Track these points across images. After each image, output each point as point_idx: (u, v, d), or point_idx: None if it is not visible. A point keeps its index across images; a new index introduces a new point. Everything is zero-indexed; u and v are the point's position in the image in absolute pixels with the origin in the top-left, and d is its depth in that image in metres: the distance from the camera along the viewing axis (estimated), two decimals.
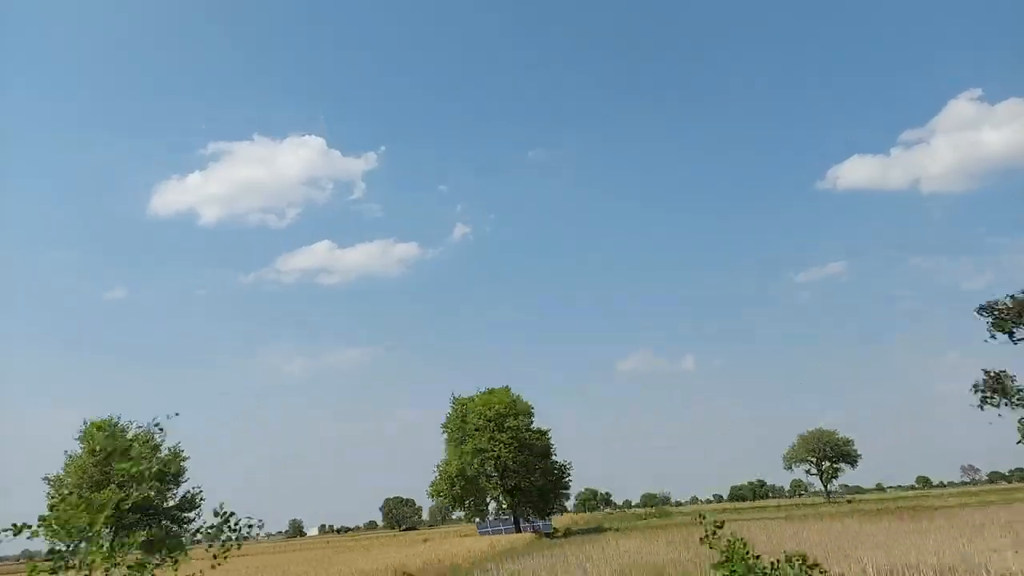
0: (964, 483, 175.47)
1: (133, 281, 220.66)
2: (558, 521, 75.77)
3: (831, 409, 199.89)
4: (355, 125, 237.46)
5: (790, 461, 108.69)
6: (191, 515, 39.15)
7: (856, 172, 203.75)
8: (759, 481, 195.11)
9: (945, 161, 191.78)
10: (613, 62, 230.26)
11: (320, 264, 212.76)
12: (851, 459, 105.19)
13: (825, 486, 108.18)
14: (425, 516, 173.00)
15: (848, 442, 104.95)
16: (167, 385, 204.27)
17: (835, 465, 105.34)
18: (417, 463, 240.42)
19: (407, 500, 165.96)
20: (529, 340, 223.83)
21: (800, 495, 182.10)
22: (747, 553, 6.67)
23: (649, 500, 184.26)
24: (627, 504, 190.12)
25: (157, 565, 5.94)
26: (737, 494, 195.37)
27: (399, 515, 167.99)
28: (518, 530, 54.26)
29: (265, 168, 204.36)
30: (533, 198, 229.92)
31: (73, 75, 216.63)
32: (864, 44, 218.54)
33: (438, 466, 53.76)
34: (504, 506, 55.53)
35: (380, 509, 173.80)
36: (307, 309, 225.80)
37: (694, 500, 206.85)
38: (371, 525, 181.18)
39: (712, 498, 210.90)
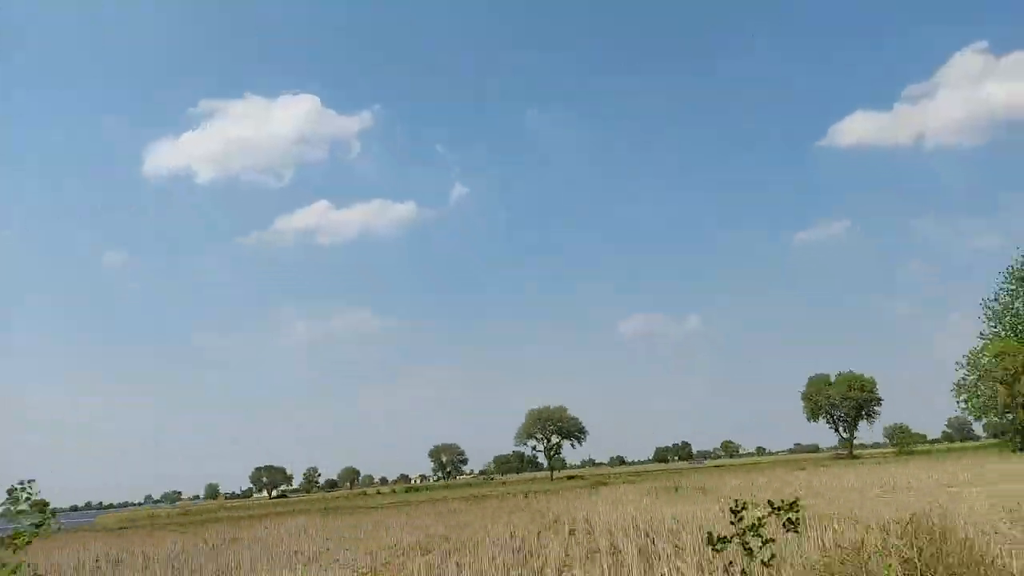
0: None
1: (132, 244, 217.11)
2: None
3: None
4: (349, 83, 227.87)
5: (521, 438, 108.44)
6: None
7: (858, 129, 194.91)
8: (683, 443, 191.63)
9: (950, 116, 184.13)
10: (611, 22, 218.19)
11: (317, 224, 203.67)
12: (578, 436, 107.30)
13: (550, 460, 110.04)
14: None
15: (574, 420, 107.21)
16: (170, 353, 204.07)
17: (562, 441, 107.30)
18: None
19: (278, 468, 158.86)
20: (529, 302, 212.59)
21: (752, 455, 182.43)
22: None
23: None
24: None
25: None
26: (662, 455, 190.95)
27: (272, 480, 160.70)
28: None
29: (260, 128, 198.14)
30: (531, 158, 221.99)
31: (59, 38, 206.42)
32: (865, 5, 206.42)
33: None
34: None
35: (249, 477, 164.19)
36: (307, 270, 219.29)
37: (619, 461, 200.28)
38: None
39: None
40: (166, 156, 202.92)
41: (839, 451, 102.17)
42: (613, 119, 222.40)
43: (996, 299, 55.34)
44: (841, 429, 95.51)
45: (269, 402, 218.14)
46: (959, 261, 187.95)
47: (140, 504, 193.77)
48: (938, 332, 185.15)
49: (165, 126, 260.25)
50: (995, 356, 51.47)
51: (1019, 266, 53.87)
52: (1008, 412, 53.58)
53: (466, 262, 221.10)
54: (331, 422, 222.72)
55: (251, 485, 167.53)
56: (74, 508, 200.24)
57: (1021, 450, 50.70)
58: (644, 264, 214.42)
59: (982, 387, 53.89)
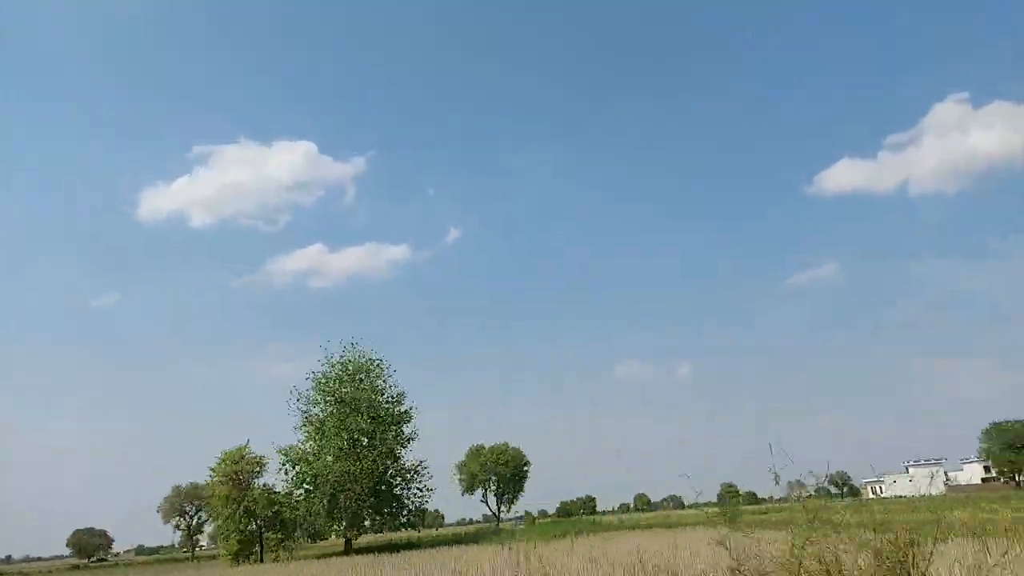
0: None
1: (122, 287, 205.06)
2: None
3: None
4: (344, 130, 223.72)
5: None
6: None
7: (843, 176, 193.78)
8: (588, 496, 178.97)
9: (933, 163, 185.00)
10: (599, 67, 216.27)
11: (311, 267, 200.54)
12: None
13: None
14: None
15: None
16: (158, 391, 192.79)
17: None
18: None
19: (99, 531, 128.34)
20: (521, 344, 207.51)
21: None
22: None
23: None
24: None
25: None
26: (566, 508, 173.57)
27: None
28: None
29: (254, 172, 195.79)
30: (521, 200, 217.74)
31: (53, 78, 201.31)
32: (847, 48, 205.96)
33: None
34: None
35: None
36: (298, 312, 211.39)
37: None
38: None
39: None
40: (160, 200, 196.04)
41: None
42: (599, 168, 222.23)
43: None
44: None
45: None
46: (947, 303, 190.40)
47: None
48: (928, 375, 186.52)
49: (159, 171, 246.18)
50: None
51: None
52: None
53: (459, 305, 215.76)
54: None
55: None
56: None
57: None
58: (635, 309, 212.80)
59: None
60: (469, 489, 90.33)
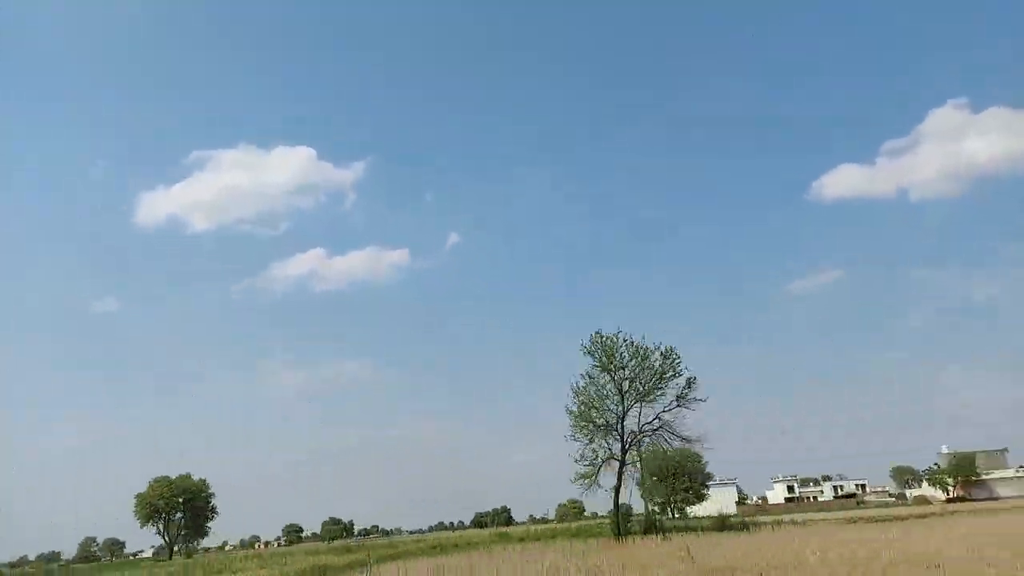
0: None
1: (122, 290, 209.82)
2: None
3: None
4: (343, 136, 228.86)
5: None
6: None
7: (842, 182, 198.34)
8: (503, 507, 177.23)
9: (932, 169, 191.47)
10: (599, 67, 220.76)
11: (312, 271, 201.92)
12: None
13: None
14: None
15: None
16: (158, 394, 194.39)
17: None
18: None
19: None
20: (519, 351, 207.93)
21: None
22: None
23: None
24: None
25: None
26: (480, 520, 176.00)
27: None
28: None
29: (254, 178, 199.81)
30: (521, 204, 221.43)
31: (53, 78, 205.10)
32: (846, 53, 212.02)
33: None
34: None
35: None
36: (299, 316, 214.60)
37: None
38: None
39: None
40: (159, 205, 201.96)
41: None
42: (600, 166, 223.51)
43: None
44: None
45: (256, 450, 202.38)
46: (951, 309, 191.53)
47: None
48: (933, 382, 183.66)
49: (158, 176, 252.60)
50: None
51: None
52: None
53: (459, 310, 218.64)
54: (319, 470, 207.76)
55: None
56: None
57: None
58: (637, 315, 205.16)
59: None
60: None
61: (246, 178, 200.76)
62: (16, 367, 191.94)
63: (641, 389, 43.03)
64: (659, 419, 43.43)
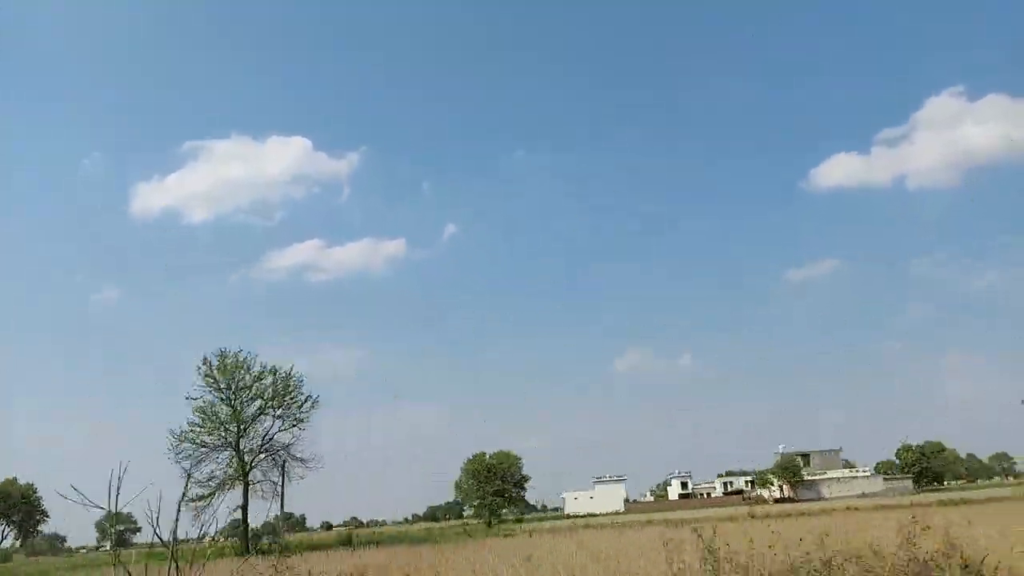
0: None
1: (120, 281, 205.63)
2: None
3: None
4: (338, 126, 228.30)
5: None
6: None
7: (838, 171, 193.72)
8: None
9: (929, 158, 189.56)
10: (599, 67, 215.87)
11: (308, 262, 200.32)
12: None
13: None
14: None
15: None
16: (155, 386, 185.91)
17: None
18: None
19: None
20: (519, 342, 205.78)
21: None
22: None
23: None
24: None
25: None
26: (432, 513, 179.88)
27: None
28: None
29: (248, 168, 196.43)
30: (519, 199, 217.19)
31: (53, 78, 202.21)
32: (844, 41, 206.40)
33: None
34: None
35: None
36: (296, 306, 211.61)
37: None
38: None
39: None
40: (154, 196, 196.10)
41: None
42: (598, 160, 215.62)
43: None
44: None
45: None
46: (950, 299, 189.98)
47: None
48: (932, 371, 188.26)
49: (153, 166, 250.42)
50: None
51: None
52: None
53: (457, 300, 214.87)
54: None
55: None
56: None
57: None
58: (635, 303, 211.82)
59: None
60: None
61: (241, 168, 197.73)
62: (12, 359, 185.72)
63: (256, 411, 44.40)
64: (273, 440, 44.61)
